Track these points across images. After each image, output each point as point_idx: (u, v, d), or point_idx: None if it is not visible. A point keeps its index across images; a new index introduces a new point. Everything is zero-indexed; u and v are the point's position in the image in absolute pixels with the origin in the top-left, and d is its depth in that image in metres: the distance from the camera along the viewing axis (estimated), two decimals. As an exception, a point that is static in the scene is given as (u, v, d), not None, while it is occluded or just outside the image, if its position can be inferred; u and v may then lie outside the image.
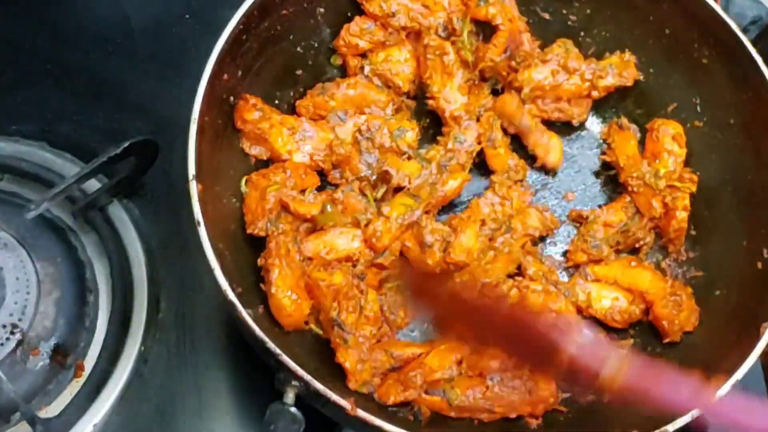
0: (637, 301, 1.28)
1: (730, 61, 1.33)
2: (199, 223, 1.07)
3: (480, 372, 1.18)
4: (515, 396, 1.17)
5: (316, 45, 1.40)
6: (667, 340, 1.26)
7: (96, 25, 1.55)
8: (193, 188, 1.09)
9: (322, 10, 1.38)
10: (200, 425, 1.27)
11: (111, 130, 1.44)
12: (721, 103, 1.35)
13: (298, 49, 1.38)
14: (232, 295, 1.05)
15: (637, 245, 1.35)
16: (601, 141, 1.45)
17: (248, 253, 1.23)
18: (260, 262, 1.20)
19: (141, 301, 1.31)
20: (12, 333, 1.23)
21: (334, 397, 1.03)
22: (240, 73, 1.26)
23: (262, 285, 1.19)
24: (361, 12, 1.38)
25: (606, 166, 1.42)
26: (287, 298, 1.16)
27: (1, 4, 1.52)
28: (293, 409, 1.04)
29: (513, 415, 1.18)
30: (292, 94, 1.39)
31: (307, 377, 1.03)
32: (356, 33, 1.37)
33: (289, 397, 1.04)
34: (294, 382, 1.04)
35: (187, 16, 1.57)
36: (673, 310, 1.25)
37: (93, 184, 1.35)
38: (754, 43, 1.29)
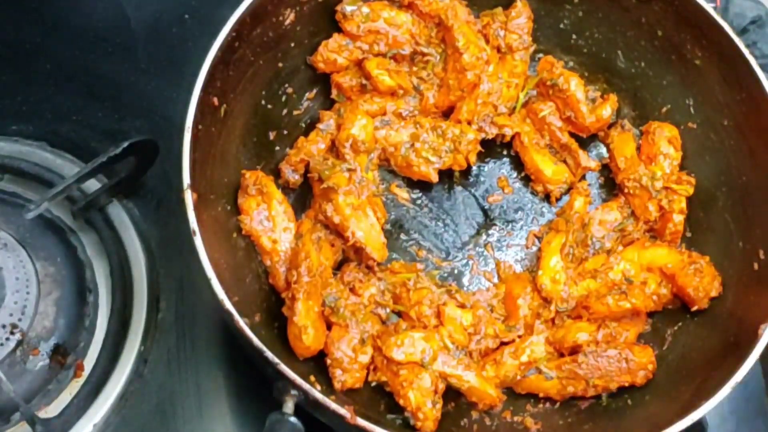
0: (663, 281, 1.22)
1: (723, 61, 1.25)
2: (194, 232, 1.00)
3: (572, 348, 1.17)
4: (612, 366, 1.14)
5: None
6: (695, 308, 1.19)
7: (96, 25, 1.49)
8: (188, 198, 1.02)
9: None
10: (200, 425, 1.22)
11: (111, 130, 1.39)
12: (715, 104, 1.28)
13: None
14: (229, 305, 0.99)
15: (632, 245, 1.29)
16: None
17: (244, 259, 1.17)
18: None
19: (141, 301, 1.26)
20: (12, 333, 1.19)
21: (334, 405, 0.97)
22: (233, 80, 1.19)
23: (283, 310, 1.13)
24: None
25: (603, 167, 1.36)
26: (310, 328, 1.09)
27: (1, 4, 1.47)
28: (293, 419, 0.97)
29: (614, 387, 1.15)
30: (284, 100, 1.32)
31: (306, 386, 0.97)
32: (334, 49, 1.30)
33: (288, 406, 0.98)
34: (293, 392, 0.97)
35: (187, 16, 1.52)
36: (696, 277, 1.18)
37: (93, 184, 1.30)
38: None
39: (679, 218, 1.25)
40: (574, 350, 1.17)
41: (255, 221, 1.18)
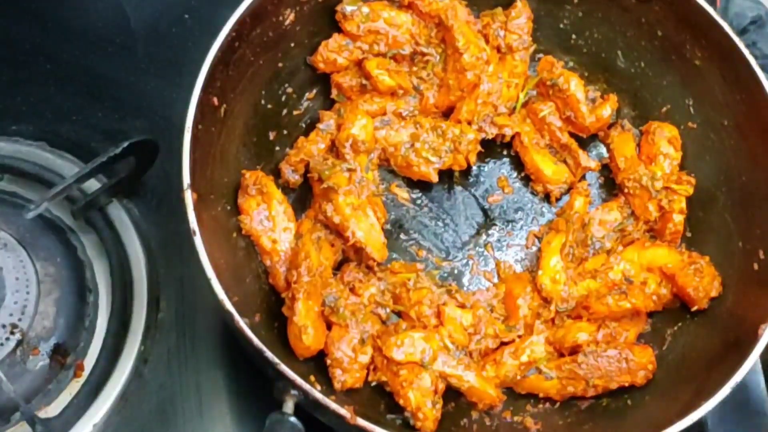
0: (663, 281, 1.21)
1: (723, 61, 1.25)
2: (194, 232, 0.99)
3: (572, 348, 1.17)
4: (612, 366, 1.14)
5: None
6: (695, 308, 1.19)
7: (96, 25, 1.49)
8: (188, 198, 1.01)
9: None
10: (200, 425, 1.21)
11: (111, 130, 1.38)
12: (715, 104, 1.27)
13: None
14: (229, 305, 0.98)
15: (632, 245, 1.28)
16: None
17: (244, 259, 1.17)
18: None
19: (141, 301, 1.25)
20: (12, 333, 1.18)
21: (334, 406, 0.97)
22: (233, 80, 1.19)
23: (283, 309, 1.13)
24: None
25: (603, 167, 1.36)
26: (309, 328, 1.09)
27: (1, 4, 1.47)
28: (293, 419, 0.97)
29: (614, 386, 1.15)
30: (284, 100, 1.31)
31: (306, 386, 0.96)
32: (334, 49, 1.29)
33: (288, 406, 0.97)
34: (293, 392, 0.97)
35: (187, 16, 1.51)
36: (696, 277, 1.18)
37: (93, 184, 1.29)
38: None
39: (679, 218, 1.25)
40: (574, 350, 1.16)
41: (255, 221, 1.17)
